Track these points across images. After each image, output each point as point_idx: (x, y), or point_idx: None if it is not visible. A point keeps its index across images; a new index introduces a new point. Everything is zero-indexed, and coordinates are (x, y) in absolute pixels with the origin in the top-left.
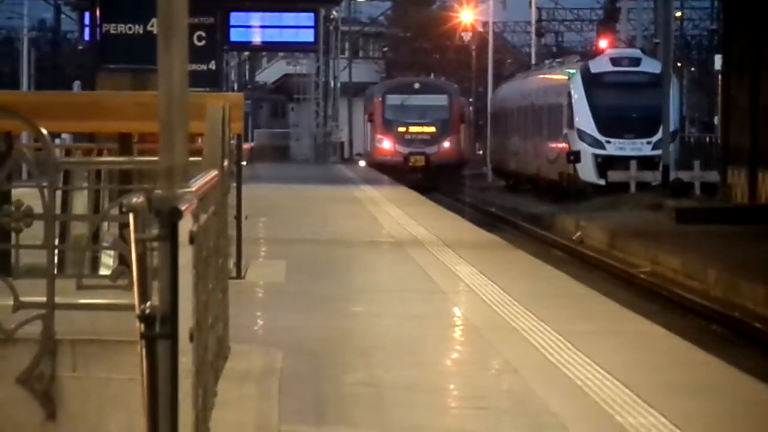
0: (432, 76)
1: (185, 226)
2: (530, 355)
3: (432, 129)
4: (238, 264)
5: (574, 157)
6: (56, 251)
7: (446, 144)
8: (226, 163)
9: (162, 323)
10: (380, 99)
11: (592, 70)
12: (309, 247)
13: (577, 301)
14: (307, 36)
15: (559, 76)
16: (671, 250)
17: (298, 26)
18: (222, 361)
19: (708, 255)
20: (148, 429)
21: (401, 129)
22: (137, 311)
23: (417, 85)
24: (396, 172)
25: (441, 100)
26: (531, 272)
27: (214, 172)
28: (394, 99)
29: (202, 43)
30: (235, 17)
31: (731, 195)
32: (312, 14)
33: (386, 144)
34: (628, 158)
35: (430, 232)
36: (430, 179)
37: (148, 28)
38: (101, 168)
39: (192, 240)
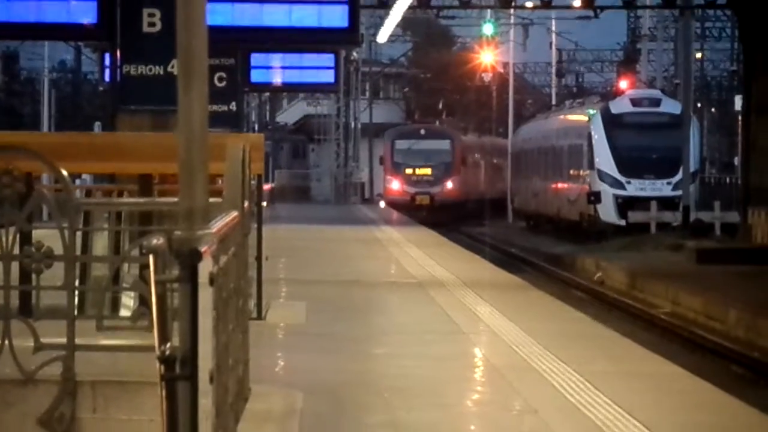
0: (441, 119)
1: (205, 268)
2: (551, 395)
3: (436, 171)
4: (258, 305)
5: (595, 197)
6: (76, 292)
7: (449, 184)
8: (246, 203)
9: (182, 365)
10: (390, 144)
11: (613, 111)
12: (330, 288)
13: (598, 342)
14: (328, 77)
15: (579, 117)
16: (692, 290)
17: (319, 67)
18: (242, 402)
19: (728, 295)
20: None
21: (408, 171)
22: (157, 352)
23: (423, 131)
24: (405, 209)
25: (444, 144)
26: (552, 313)
27: (234, 213)
28: (402, 144)
29: (223, 83)
30: (256, 58)
31: (752, 235)
32: (332, 55)
33: (395, 185)
34: (649, 199)
35: (451, 273)
36: (436, 216)
37: (169, 69)
38: (121, 209)
39: (212, 281)
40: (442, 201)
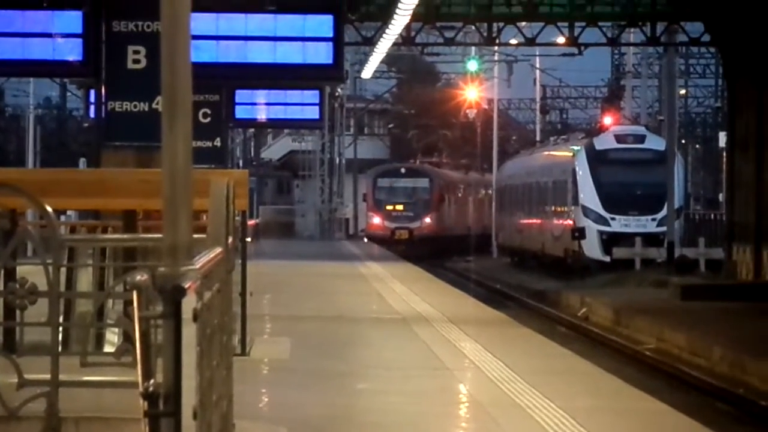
0: (425, 157)
1: (189, 304)
2: None
3: (414, 207)
4: (242, 341)
5: (579, 233)
6: (61, 328)
7: (427, 220)
8: (230, 239)
9: (165, 401)
10: (372, 181)
11: (597, 147)
12: (314, 323)
13: (583, 378)
14: (313, 113)
15: (563, 153)
16: (676, 326)
17: (304, 103)
18: None
19: (713, 332)
20: None
21: (389, 207)
22: (141, 389)
23: (403, 170)
24: (385, 243)
25: (423, 182)
26: (536, 349)
27: (218, 249)
28: (383, 182)
29: (207, 120)
30: (241, 95)
31: (736, 272)
32: (317, 92)
33: (376, 220)
34: (633, 235)
35: (435, 309)
36: (415, 250)
37: (153, 105)
38: (106, 245)
39: (196, 317)
40: (420, 236)
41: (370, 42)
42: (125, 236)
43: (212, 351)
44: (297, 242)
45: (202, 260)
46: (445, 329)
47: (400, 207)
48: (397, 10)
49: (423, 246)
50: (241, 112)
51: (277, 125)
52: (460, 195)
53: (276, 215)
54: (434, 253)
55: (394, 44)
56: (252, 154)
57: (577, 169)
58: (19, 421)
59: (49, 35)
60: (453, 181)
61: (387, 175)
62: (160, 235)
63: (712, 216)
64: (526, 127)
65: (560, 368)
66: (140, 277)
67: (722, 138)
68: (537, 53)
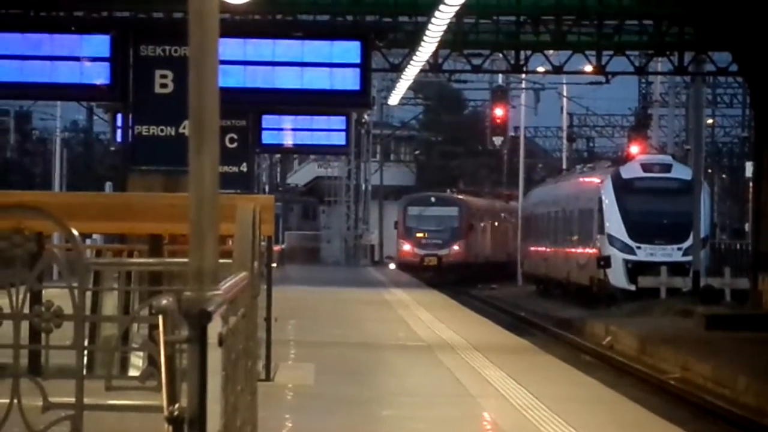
0: (452, 186)
1: (214, 328)
2: None
3: (443, 235)
4: (267, 366)
5: (605, 262)
6: (86, 352)
7: (455, 248)
8: (256, 264)
9: (190, 425)
10: (403, 210)
11: (623, 176)
12: (338, 349)
13: (607, 407)
14: (339, 139)
15: (590, 181)
16: (701, 356)
17: (330, 129)
18: None
19: (738, 362)
20: None
21: (419, 235)
22: (165, 413)
23: (433, 199)
24: (414, 269)
25: (452, 211)
26: (561, 377)
27: (244, 274)
28: (413, 210)
29: (234, 145)
30: (267, 120)
31: (762, 302)
32: (344, 118)
33: (407, 247)
34: (659, 264)
35: (459, 336)
36: (443, 277)
37: (180, 130)
38: (131, 269)
39: (221, 342)
40: (448, 263)
41: (398, 69)
42: (151, 260)
43: (237, 376)
44: (322, 268)
45: (227, 285)
46: (469, 356)
47: (429, 235)
48: (425, 38)
49: (451, 272)
50: (267, 138)
51: (303, 151)
52: (489, 223)
53: (301, 241)
54: (462, 280)
55: (421, 71)
56: (278, 179)
57: (603, 197)
58: None
59: (77, 59)
60: (483, 209)
61: (417, 204)
62: (186, 260)
63: (738, 246)
64: (553, 155)
65: (585, 397)
66: (166, 301)
67: (749, 168)
68: (564, 81)
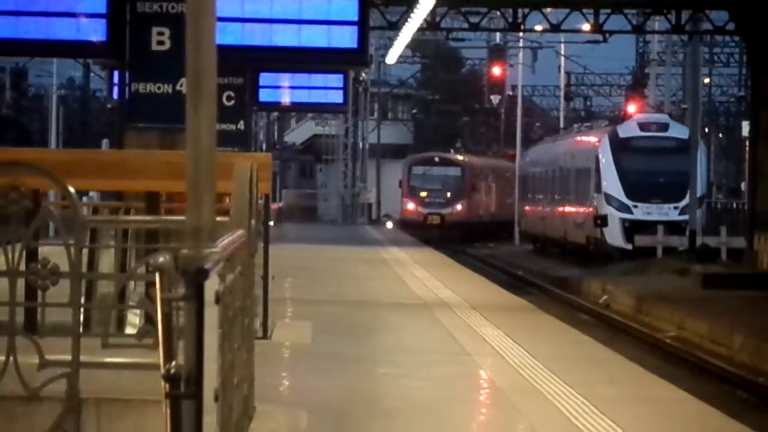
0: (452, 146)
1: (211, 286)
2: (556, 419)
3: (447, 194)
4: (264, 324)
5: (601, 221)
6: (82, 309)
7: (458, 207)
8: (253, 222)
9: (187, 383)
10: (407, 169)
11: (621, 135)
12: (335, 308)
13: (604, 366)
14: (336, 97)
15: (587, 140)
16: (697, 315)
17: (327, 87)
18: (247, 421)
19: (734, 320)
20: None
21: (423, 194)
22: (162, 371)
23: (437, 159)
24: (418, 228)
25: (455, 171)
26: (557, 335)
27: (241, 232)
28: (417, 170)
29: (231, 102)
30: (265, 78)
31: (757, 261)
32: (341, 76)
33: (410, 206)
34: (655, 223)
35: (456, 295)
36: (446, 235)
37: (177, 87)
38: (128, 227)
39: (218, 300)
40: (451, 221)
41: (395, 26)
42: (148, 218)
43: (234, 334)
44: (319, 226)
45: (224, 243)
46: (466, 315)
47: (433, 194)
48: None
49: (454, 231)
50: (265, 96)
51: (300, 109)
52: (493, 182)
53: (299, 199)
54: (465, 238)
55: (419, 29)
56: (275, 137)
57: (600, 156)
58: (40, 402)
59: (72, 15)
60: (486, 169)
61: (421, 164)
62: (183, 218)
63: (734, 205)
64: (550, 114)
65: (581, 355)
66: (163, 259)
67: (745, 127)
68: (562, 40)
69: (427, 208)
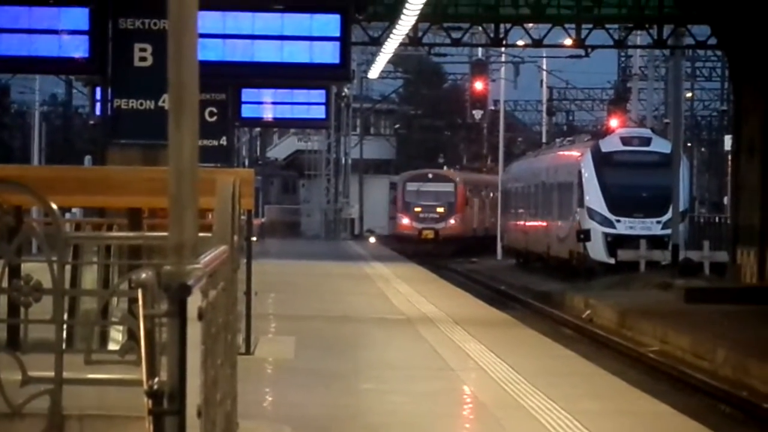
0: (443, 165)
1: (194, 302)
2: None
3: (440, 210)
4: (247, 340)
5: (584, 235)
6: (65, 326)
7: (452, 221)
8: (236, 238)
9: (170, 399)
10: (401, 185)
11: (603, 150)
12: (319, 323)
13: (587, 380)
14: (319, 113)
15: (569, 155)
16: (680, 329)
17: (310, 103)
18: None
19: (717, 335)
20: None
21: (417, 209)
22: (145, 387)
23: (430, 175)
24: (412, 242)
25: (448, 187)
26: (540, 350)
27: (223, 248)
28: (412, 186)
29: (214, 118)
30: (247, 93)
31: (740, 275)
32: (323, 91)
33: (405, 221)
34: (638, 237)
35: (439, 310)
36: (440, 249)
37: (160, 103)
38: (111, 243)
39: (201, 316)
40: (445, 236)
41: (377, 42)
42: (130, 234)
43: (217, 350)
44: (302, 242)
45: (207, 259)
46: (449, 330)
47: (427, 209)
48: (405, 11)
49: (448, 245)
50: (247, 111)
51: (283, 124)
52: (484, 198)
53: (281, 215)
54: (459, 252)
55: (401, 44)
56: (258, 153)
57: (582, 171)
58: (23, 419)
59: (55, 32)
60: (478, 184)
61: (415, 180)
62: (165, 234)
63: (717, 219)
64: (532, 129)
65: (564, 370)
66: (145, 275)
67: (728, 141)
68: (544, 55)
69: (421, 223)
